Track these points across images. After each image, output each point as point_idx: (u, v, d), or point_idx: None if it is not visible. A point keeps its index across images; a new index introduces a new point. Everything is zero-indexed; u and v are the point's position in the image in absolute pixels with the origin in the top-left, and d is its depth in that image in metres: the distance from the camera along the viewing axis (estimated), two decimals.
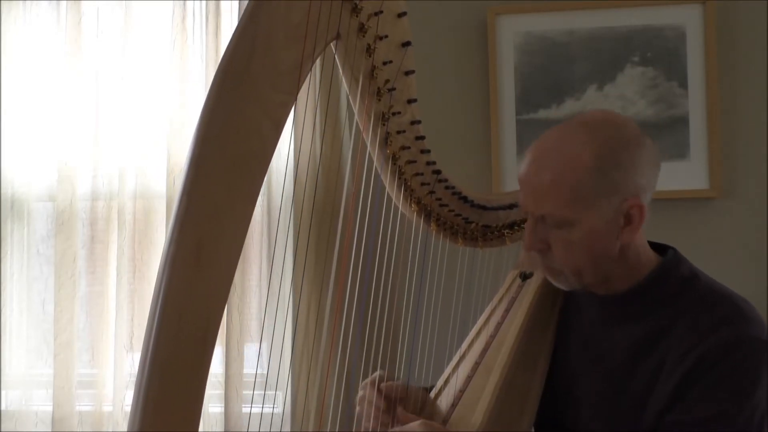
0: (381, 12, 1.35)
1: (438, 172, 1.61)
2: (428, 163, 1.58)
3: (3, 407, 2.98)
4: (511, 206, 1.75)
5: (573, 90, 2.81)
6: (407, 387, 1.67)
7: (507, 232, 1.79)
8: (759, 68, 2.75)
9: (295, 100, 1.22)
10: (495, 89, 2.83)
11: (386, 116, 1.46)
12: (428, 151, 1.56)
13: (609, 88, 2.80)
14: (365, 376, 1.77)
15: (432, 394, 1.74)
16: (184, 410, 1.09)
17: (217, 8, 2.90)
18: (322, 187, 2.67)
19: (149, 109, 2.98)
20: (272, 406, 2.88)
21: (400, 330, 1.96)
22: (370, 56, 1.38)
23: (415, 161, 1.56)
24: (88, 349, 3.00)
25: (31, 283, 3.03)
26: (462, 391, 1.67)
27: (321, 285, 2.72)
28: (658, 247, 1.63)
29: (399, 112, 1.47)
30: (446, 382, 1.75)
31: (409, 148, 1.53)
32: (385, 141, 1.50)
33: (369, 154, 1.52)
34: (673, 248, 1.62)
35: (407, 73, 1.44)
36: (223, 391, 2.84)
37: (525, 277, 1.89)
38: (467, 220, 1.75)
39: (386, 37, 1.38)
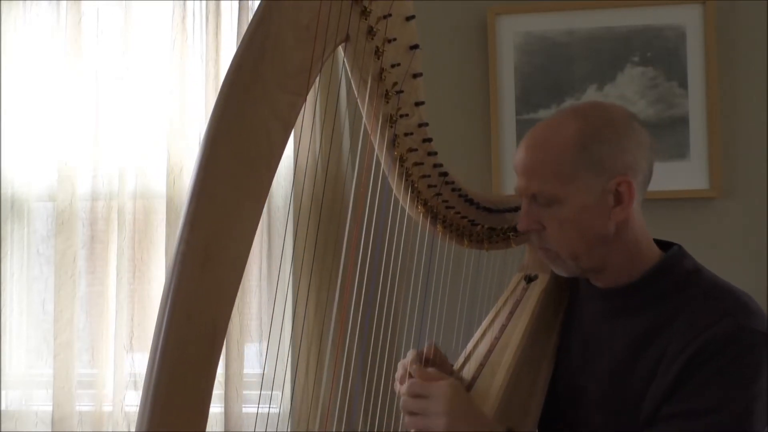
0: (390, 15, 1.36)
1: (445, 174, 1.62)
2: (435, 165, 1.59)
3: (3, 407, 2.98)
4: (517, 209, 1.76)
5: (573, 90, 2.81)
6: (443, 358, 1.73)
7: (512, 235, 1.80)
8: (759, 68, 2.75)
9: (304, 101, 1.22)
10: (495, 89, 2.83)
11: (394, 118, 1.47)
12: (435, 153, 1.56)
13: (609, 88, 2.80)
14: (370, 377, 1.77)
15: None
16: (192, 410, 1.09)
17: (217, 8, 2.90)
18: (322, 188, 2.67)
19: (149, 109, 2.98)
20: (269, 406, 2.87)
21: (405, 331, 1.96)
22: (378, 59, 1.39)
23: (422, 163, 1.57)
24: (88, 349, 3.00)
25: (31, 283, 3.03)
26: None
27: (321, 285, 2.72)
28: (664, 245, 1.63)
29: (406, 115, 1.48)
30: None
31: (416, 150, 1.53)
32: (393, 143, 1.50)
33: (374, 155, 1.52)
34: (678, 245, 1.63)
35: (415, 76, 1.45)
36: (223, 391, 2.84)
37: (530, 279, 1.89)
38: (473, 223, 1.75)
39: (394, 39, 1.39)
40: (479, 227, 1.77)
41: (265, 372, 2.78)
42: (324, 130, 2.74)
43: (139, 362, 2.93)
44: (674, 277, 1.56)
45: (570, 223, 1.53)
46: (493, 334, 1.79)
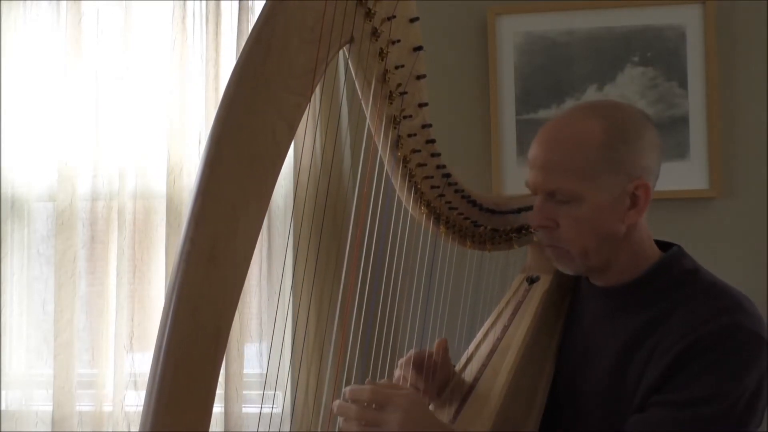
0: (394, 16, 1.36)
1: (448, 175, 1.62)
2: (438, 167, 1.60)
3: (3, 407, 2.97)
4: (520, 210, 1.76)
5: (573, 90, 2.81)
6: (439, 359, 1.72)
7: (515, 236, 1.80)
8: (759, 68, 2.75)
9: (309, 102, 1.22)
10: (495, 89, 2.83)
11: (398, 119, 1.47)
12: (439, 155, 1.57)
13: (609, 88, 2.81)
14: (371, 377, 1.77)
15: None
16: (196, 408, 1.09)
17: (217, 8, 2.90)
18: (323, 187, 2.67)
19: (149, 109, 2.98)
20: (270, 406, 2.87)
21: (407, 331, 1.96)
22: (382, 60, 1.39)
23: (425, 164, 1.57)
24: (88, 349, 2.99)
25: (31, 283, 3.02)
26: (469, 393, 1.67)
27: (322, 285, 2.72)
28: (664, 245, 1.64)
29: (410, 116, 1.48)
30: (453, 383, 1.75)
31: (419, 151, 1.54)
32: (396, 144, 1.50)
33: (377, 156, 1.52)
34: (678, 245, 1.63)
35: (419, 77, 1.45)
36: (223, 391, 2.84)
37: (532, 281, 1.90)
38: (476, 224, 1.75)
39: (398, 41, 1.39)
40: (482, 228, 1.77)
41: (265, 372, 2.77)
42: (327, 131, 2.75)
43: (139, 362, 2.93)
44: (673, 276, 1.57)
45: (585, 222, 1.53)
46: (496, 335, 1.79)
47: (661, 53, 2.78)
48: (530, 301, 1.84)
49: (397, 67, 1.41)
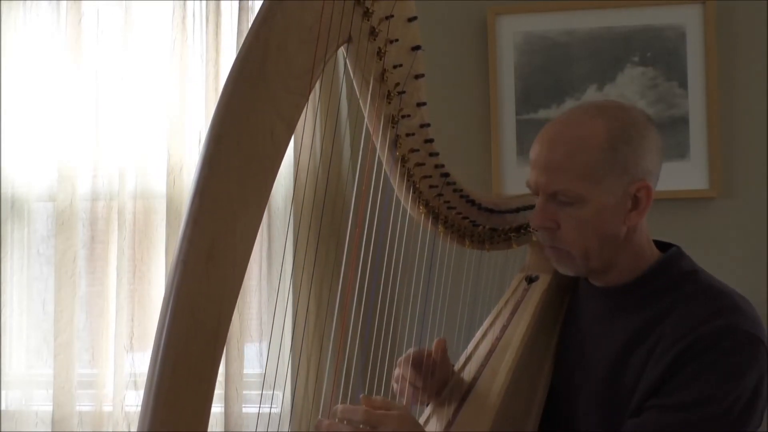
0: (392, 16, 1.35)
1: (447, 174, 1.62)
2: (437, 166, 1.59)
3: (3, 407, 2.97)
4: (519, 210, 1.77)
5: (573, 90, 2.81)
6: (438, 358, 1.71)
7: (513, 236, 1.80)
8: (759, 68, 2.75)
9: (307, 101, 1.22)
10: (495, 89, 2.83)
11: (396, 119, 1.46)
12: (437, 154, 1.56)
13: (609, 88, 2.81)
14: (371, 377, 1.77)
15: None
16: (194, 408, 1.09)
17: (217, 8, 2.90)
18: (323, 188, 2.67)
19: (149, 109, 2.98)
20: (269, 406, 2.87)
21: (406, 331, 1.96)
22: (380, 59, 1.38)
23: (424, 164, 1.57)
24: (88, 349, 2.99)
25: (31, 283, 3.02)
26: (468, 393, 1.67)
27: (321, 285, 2.72)
28: (663, 246, 1.64)
29: (408, 115, 1.48)
30: (452, 383, 1.75)
31: (418, 150, 1.53)
32: (395, 143, 1.50)
33: (375, 156, 1.52)
34: (677, 246, 1.63)
35: (417, 77, 1.44)
36: (223, 391, 2.84)
37: (531, 280, 1.90)
38: (475, 223, 1.75)
39: (397, 40, 1.38)
40: (480, 228, 1.77)
41: (265, 372, 2.78)
42: (325, 131, 2.75)
43: (139, 362, 2.93)
44: (671, 277, 1.58)
45: (587, 224, 1.53)
46: (494, 335, 1.79)
47: (661, 53, 2.78)
48: (529, 300, 1.84)
49: (395, 67, 1.41)
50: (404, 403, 1.67)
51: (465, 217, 1.73)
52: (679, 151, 2.75)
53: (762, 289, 2.66)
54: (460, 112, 2.86)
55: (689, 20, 2.77)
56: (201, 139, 2.91)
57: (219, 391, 2.84)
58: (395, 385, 1.71)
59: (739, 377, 1.42)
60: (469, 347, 1.82)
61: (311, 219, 2.77)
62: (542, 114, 2.81)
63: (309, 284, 2.74)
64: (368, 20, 1.33)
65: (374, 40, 1.36)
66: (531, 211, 1.63)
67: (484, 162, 2.84)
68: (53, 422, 2.90)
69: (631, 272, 1.60)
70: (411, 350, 1.72)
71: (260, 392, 2.90)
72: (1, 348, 2.93)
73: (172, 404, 1.07)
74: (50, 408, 2.91)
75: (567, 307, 1.81)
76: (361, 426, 1.39)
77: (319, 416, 1.46)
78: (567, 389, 1.68)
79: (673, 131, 2.75)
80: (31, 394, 3.00)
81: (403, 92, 1.44)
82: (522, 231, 1.79)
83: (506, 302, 1.89)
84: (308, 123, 2.75)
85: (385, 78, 1.41)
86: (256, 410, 2.86)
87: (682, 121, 2.76)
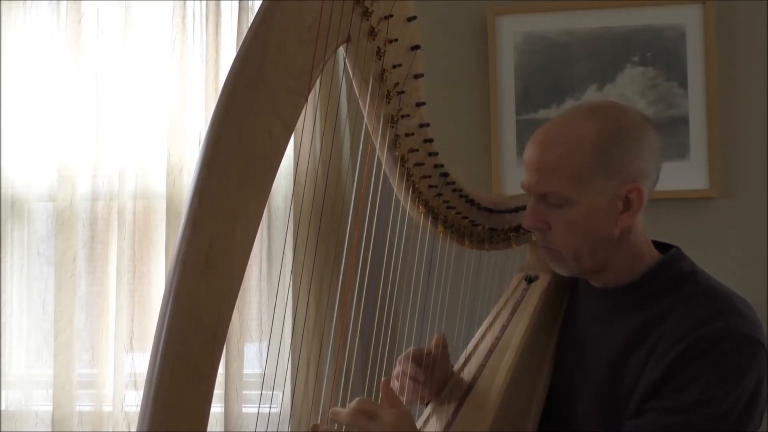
0: (391, 15, 1.35)
1: (446, 174, 1.62)
2: (436, 166, 1.59)
3: (3, 407, 2.97)
4: (518, 209, 1.76)
5: (573, 90, 2.81)
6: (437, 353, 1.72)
7: (513, 235, 1.80)
8: (759, 68, 2.75)
9: (306, 101, 1.22)
10: (495, 89, 2.83)
11: (395, 119, 1.47)
12: (436, 154, 1.56)
13: (609, 88, 2.81)
14: (371, 377, 1.77)
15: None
16: (193, 409, 1.09)
17: (217, 8, 2.90)
18: (323, 188, 2.68)
19: (149, 109, 2.98)
20: (269, 406, 2.87)
21: (406, 331, 1.96)
22: (380, 59, 1.38)
23: (423, 164, 1.57)
24: (88, 349, 3.00)
25: (31, 283, 3.02)
26: (467, 392, 1.67)
27: (321, 285, 2.72)
28: (663, 247, 1.64)
29: (408, 115, 1.48)
30: (452, 382, 1.75)
31: (417, 150, 1.53)
32: (394, 143, 1.50)
33: (375, 156, 1.52)
34: (677, 247, 1.63)
35: (416, 77, 1.44)
36: (223, 391, 2.84)
37: (530, 280, 1.90)
38: (474, 223, 1.75)
39: (396, 40, 1.38)
40: (480, 228, 1.78)
41: (265, 372, 2.78)
42: (325, 131, 2.75)
43: (139, 362, 2.93)
44: (670, 278, 1.57)
45: (576, 225, 1.53)
46: (494, 335, 1.79)
47: (661, 53, 2.78)
48: (529, 300, 1.84)
49: (394, 66, 1.41)
50: (404, 401, 1.67)
51: (464, 217, 1.73)
52: (679, 151, 2.75)
53: (762, 289, 2.66)
54: (460, 112, 2.86)
55: (689, 20, 2.77)
56: (201, 139, 2.90)
57: (219, 391, 2.84)
58: (395, 383, 1.71)
59: (739, 378, 1.42)
60: (468, 347, 1.82)
61: (310, 219, 2.76)
62: (542, 114, 2.81)
63: (309, 284, 2.74)
64: (367, 20, 1.33)
65: (373, 39, 1.36)
66: (525, 213, 1.63)
67: (484, 162, 2.84)
68: (53, 422, 2.90)
69: (629, 273, 1.59)
70: (411, 348, 1.72)
71: (260, 392, 2.90)
72: (1, 348, 2.93)
73: (171, 404, 1.07)
74: (50, 408, 2.91)
75: (567, 307, 1.81)
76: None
77: (319, 416, 1.46)
78: (567, 389, 1.68)
79: (673, 131, 2.75)
80: (31, 394, 3.00)
81: (403, 92, 1.44)
82: (521, 231, 1.79)
83: (506, 302, 1.89)
84: (308, 123, 2.75)
85: (384, 78, 1.41)
86: (256, 410, 2.86)
87: (682, 121, 2.76)
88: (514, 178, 2.79)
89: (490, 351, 1.75)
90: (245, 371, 2.89)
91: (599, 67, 2.81)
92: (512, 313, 1.83)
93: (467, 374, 1.73)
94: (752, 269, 2.72)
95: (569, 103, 2.79)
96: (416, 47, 1.42)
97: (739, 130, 2.76)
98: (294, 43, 1.19)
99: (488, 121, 2.84)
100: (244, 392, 2.88)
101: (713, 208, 2.76)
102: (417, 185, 1.60)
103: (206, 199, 1.11)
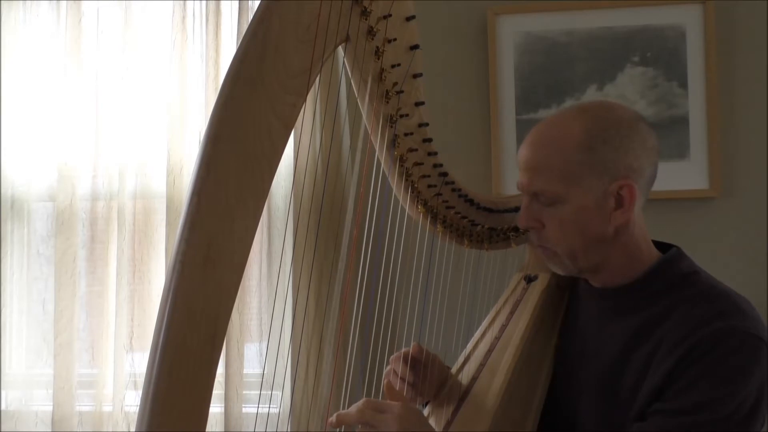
0: (390, 15, 1.35)
1: (445, 174, 1.62)
2: (435, 166, 1.59)
3: (3, 407, 2.98)
4: (517, 209, 1.75)
5: (573, 90, 2.81)
6: (434, 357, 1.73)
7: (512, 235, 1.79)
8: (759, 68, 2.75)
9: (305, 101, 1.22)
10: (495, 89, 2.83)
11: (394, 119, 1.46)
12: (435, 154, 1.56)
13: (609, 88, 2.80)
14: (370, 377, 1.78)
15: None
16: (192, 408, 1.09)
17: (217, 8, 2.90)
18: (322, 188, 2.67)
19: (149, 109, 2.98)
20: (269, 406, 2.87)
21: (405, 331, 1.96)
22: (378, 59, 1.38)
23: (422, 163, 1.56)
24: (88, 349, 3.00)
25: (31, 283, 3.03)
26: (467, 392, 1.67)
27: (321, 285, 2.72)
28: (664, 247, 1.64)
29: (407, 115, 1.48)
30: (451, 383, 1.75)
31: (416, 150, 1.53)
32: (393, 143, 1.50)
33: (374, 155, 1.52)
34: (677, 247, 1.63)
35: (415, 76, 1.44)
36: (223, 391, 2.84)
37: (530, 279, 1.90)
38: (473, 223, 1.75)
39: (395, 40, 1.38)
40: (479, 227, 1.77)
41: (265, 372, 2.78)
42: (324, 131, 2.75)
43: (139, 362, 2.94)
44: (670, 278, 1.57)
45: (569, 223, 1.53)
46: (493, 335, 1.79)
47: (661, 53, 2.78)
48: (528, 299, 1.83)
49: (393, 66, 1.41)
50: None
51: (464, 217, 1.73)
52: (679, 151, 2.75)
53: (762, 289, 2.66)
54: (460, 111, 2.86)
55: (689, 20, 2.77)
56: (201, 139, 2.90)
57: (219, 391, 2.84)
58: (385, 381, 1.72)
59: (743, 378, 1.41)
60: (468, 347, 1.82)
61: (310, 219, 2.76)
62: (542, 114, 2.81)
63: (308, 284, 2.74)
64: (366, 19, 1.33)
65: (372, 39, 1.36)
66: (519, 213, 1.63)
67: (484, 162, 2.84)
68: (53, 422, 2.90)
69: (628, 273, 1.59)
70: (403, 349, 1.72)
71: (260, 392, 2.90)
72: (1, 348, 2.93)
73: (169, 404, 1.08)
74: (50, 408, 2.92)
75: (566, 306, 1.81)
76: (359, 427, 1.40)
77: (319, 416, 1.46)
78: (566, 389, 1.68)
79: (673, 131, 2.75)
80: (31, 394, 3.00)
81: (402, 91, 1.44)
82: (521, 230, 1.79)
83: (505, 302, 1.89)
84: (307, 123, 2.75)
85: (383, 77, 1.41)
86: (255, 410, 2.86)
87: (682, 121, 2.76)
88: (514, 178, 2.75)
89: (490, 351, 1.75)
90: (245, 371, 2.89)
91: (599, 67, 2.81)
92: (512, 313, 1.83)
93: (466, 374, 1.73)
94: (752, 269, 2.71)
95: (569, 103, 2.79)
96: (415, 47, 1.42)
97: (739, 130, 2.76)
98: (292, 43, 1.19)
99: (488, 121, 2.84)
100: (244, 392, 2.88)
101: (713, 208, 2.76)
102: (416, 185, 1.60)
103: (205, 199, 1.11)
